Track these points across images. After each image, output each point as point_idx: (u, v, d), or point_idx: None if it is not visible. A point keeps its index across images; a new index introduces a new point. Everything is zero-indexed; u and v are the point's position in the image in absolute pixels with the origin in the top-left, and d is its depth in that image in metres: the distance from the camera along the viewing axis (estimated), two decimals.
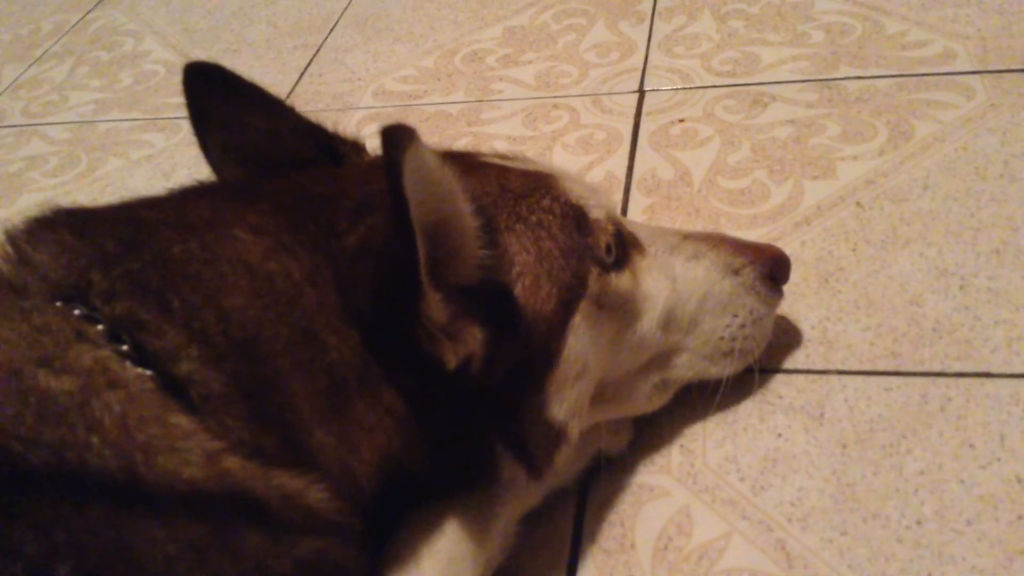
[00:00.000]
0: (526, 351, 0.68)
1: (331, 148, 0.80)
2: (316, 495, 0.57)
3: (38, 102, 1.69)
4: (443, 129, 1.36)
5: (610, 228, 0.76)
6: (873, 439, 0.82)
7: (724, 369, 0.84)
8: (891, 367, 0.88)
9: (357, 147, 0.82)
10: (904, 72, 1.24)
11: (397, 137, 0.54)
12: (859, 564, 0.74)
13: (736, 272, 0.84)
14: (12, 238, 0.61)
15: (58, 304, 0.57)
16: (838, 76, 1.26)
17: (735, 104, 1.26)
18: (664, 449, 0.85)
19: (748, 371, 0.87)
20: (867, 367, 0.88)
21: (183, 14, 1.88)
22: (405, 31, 1.64)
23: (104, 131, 1.57)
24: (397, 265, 0.59)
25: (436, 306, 0.62)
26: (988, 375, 0.85)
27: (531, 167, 0.78)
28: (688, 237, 0.85)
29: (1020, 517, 0.74)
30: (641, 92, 1.34)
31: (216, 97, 0.78)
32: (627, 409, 0.83)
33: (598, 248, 0.74)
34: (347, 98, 1.50)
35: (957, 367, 0.86)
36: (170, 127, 1.53)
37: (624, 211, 1.13)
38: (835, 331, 0.92)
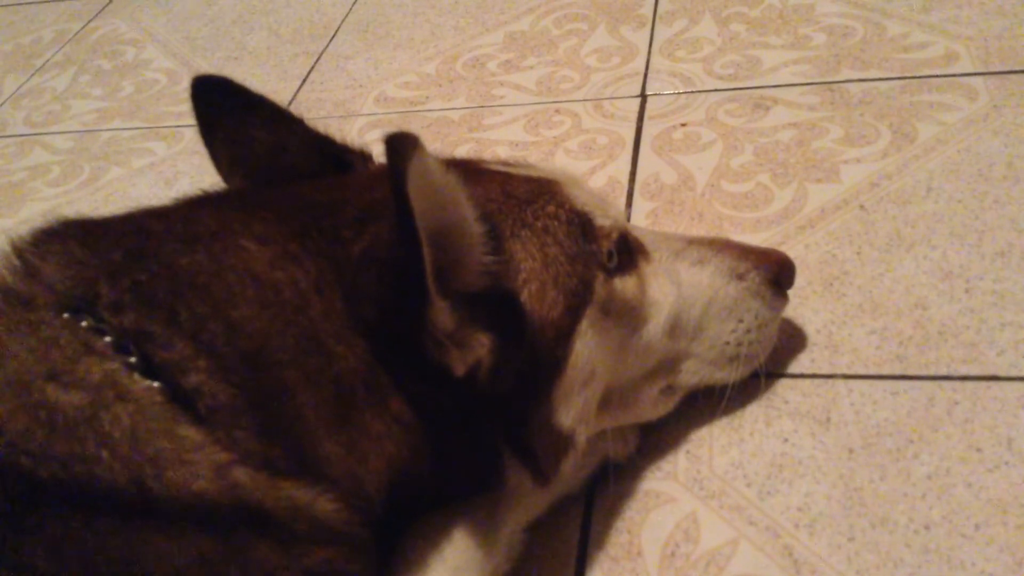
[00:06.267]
0: (533, 358, 0.68)
1: (339, 158, 0.80)
2: (325, 506, 0.57)
3: (40, 112, 1.69)
4: (445, 135, 1.36)
5: (613, 235, 0.75)
6: (880, 443, 0.82)
7: (730, 374, 0.84)
8: (897, 371, 0.87)
9: (364, 156, 0.82)
10: (906, 74, 1.24)
11: (401, 145, 0.54)
12: (867, 569, 0.73)
13: (741, 277, 0.84)
14: (18, 249, 0.61)
15: (65, 316, 0.57)
16: (840, 79, 1.26)
17: (737, 108, 1.26)
18: (670, 455, 0.85)
19: (754, 376, 0.87)
20: (873, 371, 0.88)
21: (184, 22, 1.88)
22: (406, 37, 1.64)
23: (106, 140, 1.57)
24: (403, 273, 0.59)
25: (443, 313, 0.62)
26: (995, 378, 0.84)
27: (535, 173, 0.78)
28: (693, 242, 0.85)
29: None
30: (643, 96, 1.34)
31: (223, 111, 0.78)
32: (633, 415, 0.83)
33: (602, 254, 0.74)
34: (349, 105, 1.50)
35: (963, 370, 0.86)
36: (172, 135, 1.53)
37: (628, 216, 1.13)
38: (840, 335, 0.92)
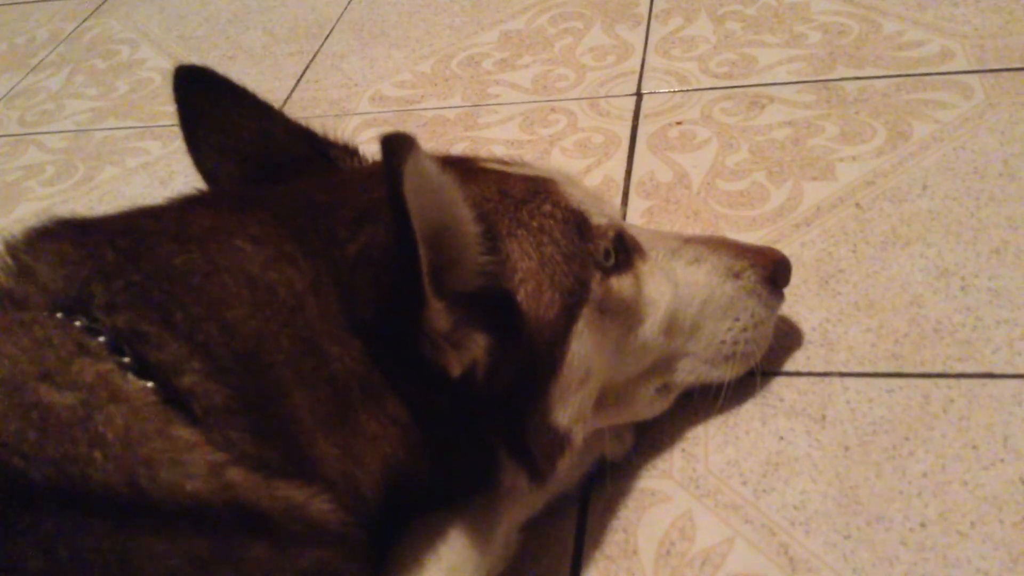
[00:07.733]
0: (530, 357, 0.68)
1: (322, 151, 0.80)
2: (320, 506, 0.57)
3: (34, 111, 1.69)
4: (440, 134, 1.36)
5: (610, 233, 0.75)
6: (875, 441, 0.82)
7: (726, 373, 0.84)
8: (893, 368, 0.87)
9: (348, 150, 0.82)
10: (902, 72, 1.24)
11: (397, 145, 0.54)
12: (863, 567, 0.73)
13: (737, 276, 0.84)
14: (11, 249, 0.61)
15: (59, 316, 0.56)
16: (836, 77, 1.26)
17: (733, 106, 1.26)
18: (666, 453, 0.85)
19: (749, 374, 0.86)
20: (868, 369, 0.88)
21: (178, 22, 1.88)
22: (401, 36, 1.64)
23: (100, 139, 1.56)
24: (399, 273, 0.59)
25: (439, 314, 0.62)
26: (990, 376, 0.85)
27: (531, 172, 0.78)
28: (689, 241, 0.85)
29: None
30: (639, 95, 1.34)
31: (208, 100, 0.78)
32: (629, 414, 0.83)
33: (598, 253, 0.74)
34: (344, 104, 1.50)
35: (959, 368, 0.86)
36: (166, 135, 1.53)
37: (623, 215, 1.13)
38: (836, 333, 0.92)
